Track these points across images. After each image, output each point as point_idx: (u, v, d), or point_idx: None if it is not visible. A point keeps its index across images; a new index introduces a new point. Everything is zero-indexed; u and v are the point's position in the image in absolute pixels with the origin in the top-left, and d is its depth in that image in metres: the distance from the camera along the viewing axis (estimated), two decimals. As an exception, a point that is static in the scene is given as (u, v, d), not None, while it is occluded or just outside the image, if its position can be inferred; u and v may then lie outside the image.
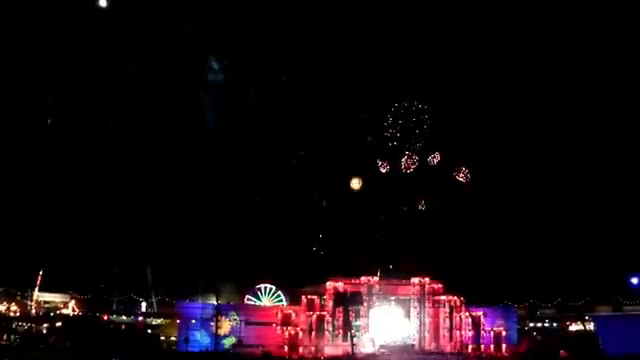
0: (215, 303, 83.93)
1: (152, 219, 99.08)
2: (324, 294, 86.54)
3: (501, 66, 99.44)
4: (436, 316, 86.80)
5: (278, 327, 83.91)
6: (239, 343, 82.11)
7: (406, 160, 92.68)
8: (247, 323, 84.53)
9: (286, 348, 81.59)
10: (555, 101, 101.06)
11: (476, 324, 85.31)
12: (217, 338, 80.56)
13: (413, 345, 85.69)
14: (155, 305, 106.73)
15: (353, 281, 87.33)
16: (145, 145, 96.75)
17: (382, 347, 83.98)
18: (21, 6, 79.88)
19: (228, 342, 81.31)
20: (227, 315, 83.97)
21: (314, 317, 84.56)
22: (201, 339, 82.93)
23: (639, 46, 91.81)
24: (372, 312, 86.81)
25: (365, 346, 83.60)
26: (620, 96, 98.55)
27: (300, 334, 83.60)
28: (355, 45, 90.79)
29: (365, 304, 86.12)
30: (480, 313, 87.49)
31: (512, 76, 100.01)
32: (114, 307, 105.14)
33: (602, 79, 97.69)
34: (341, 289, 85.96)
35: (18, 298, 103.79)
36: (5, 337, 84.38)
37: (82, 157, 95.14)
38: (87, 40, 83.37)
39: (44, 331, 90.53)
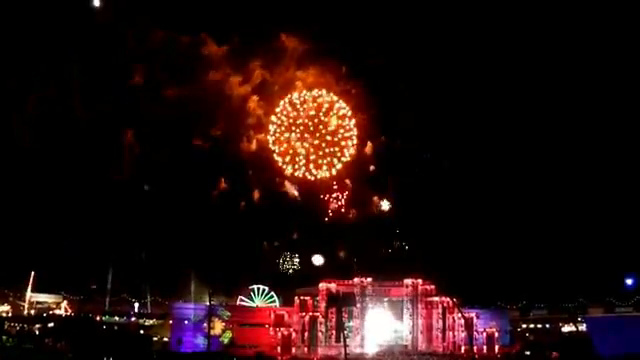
0: (208, 304, 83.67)
1: (146, 221, 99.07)
2: (317, 295, 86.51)
3: (500, 66, 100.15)
4: (429, 317, 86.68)
5: (271, 328, 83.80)
6: (232, 344, 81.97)
7: None
8: (240, 324, 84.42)
9: (279, 349, 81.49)
10: (554, 102, 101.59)
11: (469, 325, 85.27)
12: (210, 339, 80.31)
13: (406, 346, 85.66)
14: (149, 305, 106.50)
15: (346, 282, 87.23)
16: (142, 146, 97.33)
17: (375, 348, 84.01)
18: None
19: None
20: (220, 316, 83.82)
21: (307, 318, 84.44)
22: (193, 340, 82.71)
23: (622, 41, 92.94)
24: (365, 313, 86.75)
25: (358, 347, 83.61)
26: (620, 97, 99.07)
27: (293, 335, 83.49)
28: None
29: (358, 305, 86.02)
30: (473, 314, 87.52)
31: (513, 76, 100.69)
32: (106, 308, 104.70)
33: (602, 79, 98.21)
34: (334, 290, 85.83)
35: (11, 299, 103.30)
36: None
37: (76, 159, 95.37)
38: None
39: (36, 331, 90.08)
